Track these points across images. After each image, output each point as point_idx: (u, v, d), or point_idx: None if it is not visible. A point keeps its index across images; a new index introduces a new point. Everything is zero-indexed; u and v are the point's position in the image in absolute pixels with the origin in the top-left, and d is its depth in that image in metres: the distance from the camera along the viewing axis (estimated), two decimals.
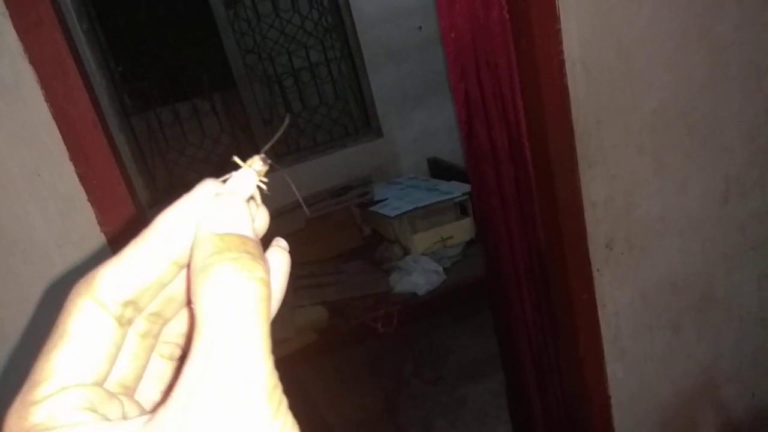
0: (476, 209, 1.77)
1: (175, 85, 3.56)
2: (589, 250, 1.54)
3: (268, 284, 0.22)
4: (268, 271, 0.23)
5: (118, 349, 0.25)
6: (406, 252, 3.18)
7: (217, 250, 0.22)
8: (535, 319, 1.69)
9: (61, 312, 0.24)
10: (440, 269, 3.01)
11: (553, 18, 1.34)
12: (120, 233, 1.20)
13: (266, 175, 0.27)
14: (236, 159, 0.27)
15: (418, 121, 3.83)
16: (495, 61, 1.47)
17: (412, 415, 2.46)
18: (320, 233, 3.33)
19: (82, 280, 0.25)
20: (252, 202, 0.26)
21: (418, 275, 2.94)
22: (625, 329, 1.63)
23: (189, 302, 0.27)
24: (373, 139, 3.81)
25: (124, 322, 0.25)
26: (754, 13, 1.46)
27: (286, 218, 3.31)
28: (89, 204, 1.16)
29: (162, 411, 0.21)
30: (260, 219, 0.27)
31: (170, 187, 3.57)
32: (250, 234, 0.24)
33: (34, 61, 1.08)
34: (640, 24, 1.39)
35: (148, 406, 0.27)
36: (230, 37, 3.51)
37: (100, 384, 0.24)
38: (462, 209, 3.22)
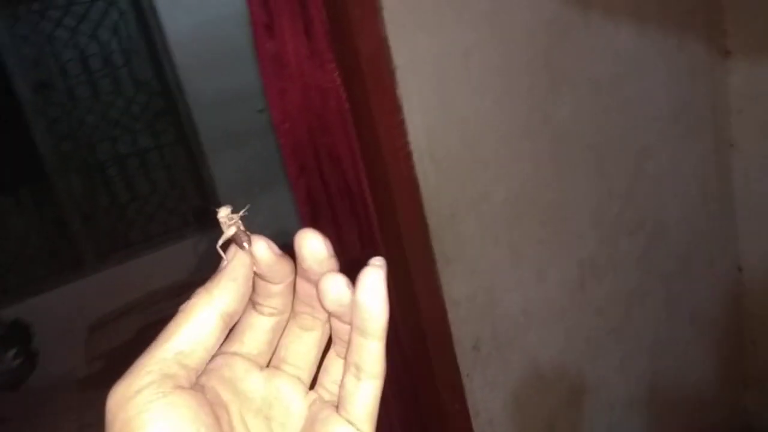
0: None
1: None
2: (456, 354, 1.39)
3: (195, 307, 0.31)
4: (201, 296, 0.32)
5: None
6: None
7: None
8: None
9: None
10: None
11: (396, 109, 1.23)
12: None
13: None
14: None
15: (266, 205, 3.59)
16: (337, 154, 1.31)
17: None
18: None
19: None
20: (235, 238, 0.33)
21: None
22: None
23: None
24: (217, 228, 3.50)
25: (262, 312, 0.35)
26: (587, 98, 1.48)
27: (113, 327, 2.84)
28: None
29: None
30: (255, 249, 0.33)
31: None
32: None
33: None
34: (484, 113, 1.33)
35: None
36: (40, 124, 3.07)
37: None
38: None
